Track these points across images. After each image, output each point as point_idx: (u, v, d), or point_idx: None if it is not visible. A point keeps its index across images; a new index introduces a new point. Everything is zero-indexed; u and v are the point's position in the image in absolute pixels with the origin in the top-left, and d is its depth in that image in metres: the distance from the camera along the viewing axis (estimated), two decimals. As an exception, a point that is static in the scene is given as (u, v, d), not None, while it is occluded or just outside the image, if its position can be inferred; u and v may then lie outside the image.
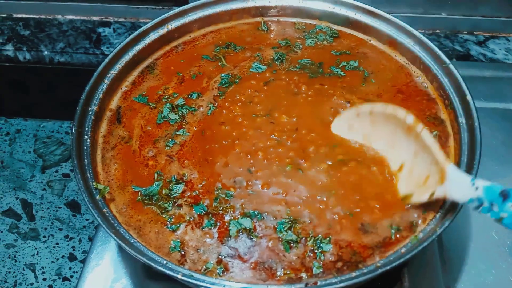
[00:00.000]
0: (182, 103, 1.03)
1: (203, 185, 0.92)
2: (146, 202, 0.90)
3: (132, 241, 0.83)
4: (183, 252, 0.84)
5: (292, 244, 0.83)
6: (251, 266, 0.81)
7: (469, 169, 0.85)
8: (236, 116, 1.01)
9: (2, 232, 1.82)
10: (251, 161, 0.93)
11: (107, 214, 0.86)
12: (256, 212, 0.87)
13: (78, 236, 1.81)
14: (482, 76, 1.38)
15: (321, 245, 0.82)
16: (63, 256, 1.77)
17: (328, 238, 0.83)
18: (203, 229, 0.87)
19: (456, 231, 1.05)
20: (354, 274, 0.76)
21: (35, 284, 1.71)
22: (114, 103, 1.05)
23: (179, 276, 0.76)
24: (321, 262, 0.81)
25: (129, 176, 0.94)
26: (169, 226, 0.87)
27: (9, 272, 1.73)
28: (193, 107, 1.03)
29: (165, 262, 0.79)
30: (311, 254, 0.82)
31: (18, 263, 1.75)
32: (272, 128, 0.98)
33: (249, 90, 1.05)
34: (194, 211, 0.88)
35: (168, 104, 1.03)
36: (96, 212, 0.84)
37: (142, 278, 1.02)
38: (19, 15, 1.66)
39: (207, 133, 0.99)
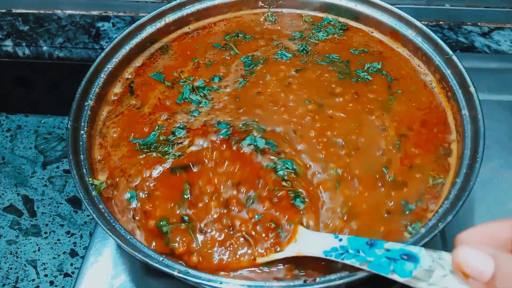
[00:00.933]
0: (203, 85, 1.02)
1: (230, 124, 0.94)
2: (145, 150, 0.92)
3: (129, 237, 0.81)
4: None
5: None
6: None
7: (472, 162, 0.84)
8: (275, 90, 1.00)
9: (3, 228, 1.82)
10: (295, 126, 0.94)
11: (103, 210, 0.85)
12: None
13: (80, 232, 1.81)
14: (487, 68, 1.35)
15: None
16: (64, 252, 1.77)
17: None
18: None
19: (459, 225, 1.03)
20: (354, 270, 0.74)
21: (37, 280, 1.72)
22: (112, 96, 1.04)
23: (175, 273, 0.75)
24: None
25: (126, 133, 0.95)
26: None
27: (11, 268, 1.74)
28: (216, 87, 1.02)
29: (161, 258, 0.78)
30: None
31: (20, 259, 1.75)
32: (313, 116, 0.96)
33: (282, 74, 1.04)
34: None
35: (188, 85, 1.02)
36: (92, 208, 0.83)
37: (141, 274, 1.01)
38: (18, 10, 1.65)
39: (242, 98, 0.99)
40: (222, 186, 0.87)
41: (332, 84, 1.02)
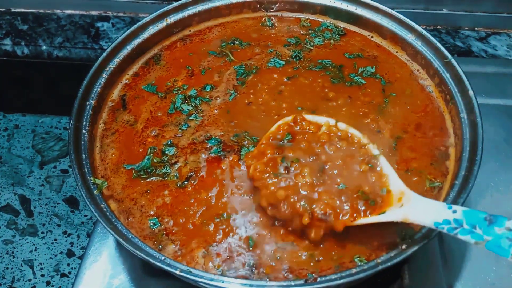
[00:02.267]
0: (195, 94, 1.03)
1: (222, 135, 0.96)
2: (143, 176, 0.92)
3: (130, 236, 0.82)
4: None
5: None
6: None
7: (471, 165, 0.85)
8: (266, 100, 1.01)
9: (0, 228, 1.81)
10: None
11: (105, 209, 0.85)
12: None
13: (77, 232, 1.80)
14: (484, 72, 1.36)
15: None
16: (61, 252, 1.76)
17: None
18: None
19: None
20: (354, 270, 0.75)
21: (33, 280, 1.71)
22: (114, 95, 1.05)
23: (177, 272, 0.75)
24: None
25: (123, 156, 0.95)
26: (179, 183, 0.90)
27: (7, 268, 1.73)
28: (207, 98, 1.02)
29: (163, 258, 0.78)
30: None
31: (16, 259, 1.74)
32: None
33: (273, 82, 1.05)
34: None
35: (180, 95, 1.03)
36: (94, 207, 0.83)
37: (140, 274, 1.01)
38: (17, 10, 1.65)
39: (232, 112, 1.00)
40: None
41: (326, 89, 1.03)
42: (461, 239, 0.68)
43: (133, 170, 0.93)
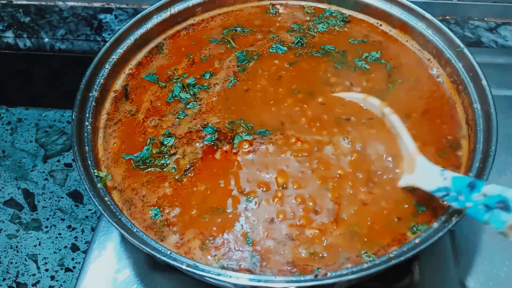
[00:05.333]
0: (193, 82, 1.01)
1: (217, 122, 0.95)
2: (142, 167, 0.91)
3: (135, 230, 0.80)
4: None
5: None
6: None
7: (485, 156, 0.83)
8: (264, 86, 1.00)
9: (3, 222, 1.80)
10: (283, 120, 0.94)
11: (109, 203, 0.83)
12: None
13: (81, 227, 1.79)
14: (494, 63, 1.34)
15: None
16: (65, 247, 1.75)
17: None
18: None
19: (468, 221, 1.02)
20: (365, 265, 0.73)
21: (38, 275, 1.70)
22: (117, 85, 1.03)
23: (184, 267, 0.73)
24: None
25: (124, 146, 0.94)
26: (177, 176, 0.88)
27: (11, 263, 1.72)
28: (206, 85, 1.01)
29: (168, 252, 0.77)
30: None
31: (20, 254, 1.74)
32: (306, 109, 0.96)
33: (274, 68, 1.03)
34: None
35: (178, 83, 1.01)
36: (98, 200, 0.81)
37: (145, 269, 1.00)
38: (19, 2, 1.63)
39: (231, 99, 0.98)
40: None
41: (328, 74, 1.01)
42: (451, 205, 0.72)
43: (132, 161, 0.92)
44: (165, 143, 0.93)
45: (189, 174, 0.89)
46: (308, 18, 1.13)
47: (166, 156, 0.91)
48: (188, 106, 0.98)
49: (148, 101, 1.00)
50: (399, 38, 1.08)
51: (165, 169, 0.90)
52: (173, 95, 1.00)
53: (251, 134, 0.91)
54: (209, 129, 0.94)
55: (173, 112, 0.98)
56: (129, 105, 1.00)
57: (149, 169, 0.90)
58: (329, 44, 1.07)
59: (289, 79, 1.01)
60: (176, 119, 0.96)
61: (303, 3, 1.16)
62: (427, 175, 0.78)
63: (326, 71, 1.02)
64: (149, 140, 0.94)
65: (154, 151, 0.92)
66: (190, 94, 1.00)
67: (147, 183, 0.89)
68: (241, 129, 0.93)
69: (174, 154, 0.92)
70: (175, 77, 1.03)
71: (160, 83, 1.03)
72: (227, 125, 0.94)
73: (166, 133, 0.94)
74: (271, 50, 1.06)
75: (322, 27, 1.11)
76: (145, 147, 0.93)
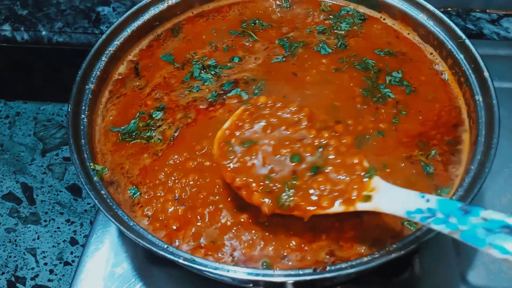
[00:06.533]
0: (214, 63, 1.02)
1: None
2: (128, 139, 0.92)
3: (132, 224, 0.79)
4: None
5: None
6: None
7: (487, 149, 0.81)
8: (315, 73, 0.99)
9: (2, 216, 1.80)
10: None
11: (105, 196, 0.82)
12: None
13: (80, 221, 1.78)
14: (496, 55, 1.33)
15: None
16: (64, 241, 1.75)
17: None
18: None
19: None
20: (365, 259, 0.72)
21: (36, 269, 1.70)
22: (115, 76, 1.03)
23: (180, 261, 0.73)
24: None
25: (118, 118, 0.95)
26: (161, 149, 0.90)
27: (10, 257, 1.72)
28: (228, 66, 1.01)
29: (165, 246, 0.76)
30: None
31: (19, 248, 1.73)
32: None
33: (323, 68, 1.01)
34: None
35: (198, 64, 1.02)
36: (94, 194, 0.80)
37: (143, 262, 0.99)
38: (16, -6, 1.61)
39: (273, 73, 0.99)
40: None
41: (361, 104, 0.95)
42: (434, 229, 0.65)
43: (119, 134, 0.93)
44: (153, 116, 0.94)
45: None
46: (323, 16, 1.11)
47: (151, 129, 0.93)
48: (206, 83, 0.99)
49: (161, 77, 1.01)
50: (402, 31, 1.07)
51: (151, 141, 0.92)
52: (193, 75, 1.00)
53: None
54: (227, 84, 0.97)
55: (187, 87, 0.98)
56: (138, 81, 1.01)
57: (135, 141, 0.92)
58: (364, 52, 1.03)
59: (335, 89, 0.97)
60: (186, 91, 0.97)
61: None
62: (392, 197, 0.72)
63: (354, 95, 0.97)
64: (138, 113, 0.95)
65: (141, 124, 0.93)
66: (211, 74, 1.00)
67: (131, 156, 0.90)
68: (257, 89, 0.95)
69: (160, 126, 0.93)
70: (194, 60, 1.03)
71: (176, 63, 1.03)
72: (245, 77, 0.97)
73: (161, 106, 0.95)
74: (316, 48, 1.03)
75: (345, 26, 1.08)
76: (132, 120, 0.94)
